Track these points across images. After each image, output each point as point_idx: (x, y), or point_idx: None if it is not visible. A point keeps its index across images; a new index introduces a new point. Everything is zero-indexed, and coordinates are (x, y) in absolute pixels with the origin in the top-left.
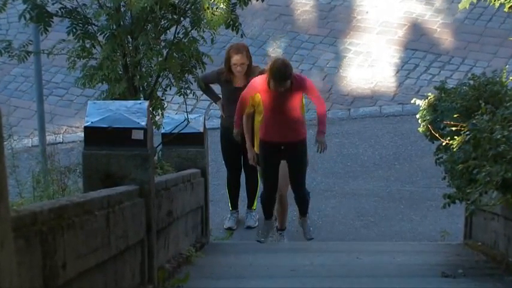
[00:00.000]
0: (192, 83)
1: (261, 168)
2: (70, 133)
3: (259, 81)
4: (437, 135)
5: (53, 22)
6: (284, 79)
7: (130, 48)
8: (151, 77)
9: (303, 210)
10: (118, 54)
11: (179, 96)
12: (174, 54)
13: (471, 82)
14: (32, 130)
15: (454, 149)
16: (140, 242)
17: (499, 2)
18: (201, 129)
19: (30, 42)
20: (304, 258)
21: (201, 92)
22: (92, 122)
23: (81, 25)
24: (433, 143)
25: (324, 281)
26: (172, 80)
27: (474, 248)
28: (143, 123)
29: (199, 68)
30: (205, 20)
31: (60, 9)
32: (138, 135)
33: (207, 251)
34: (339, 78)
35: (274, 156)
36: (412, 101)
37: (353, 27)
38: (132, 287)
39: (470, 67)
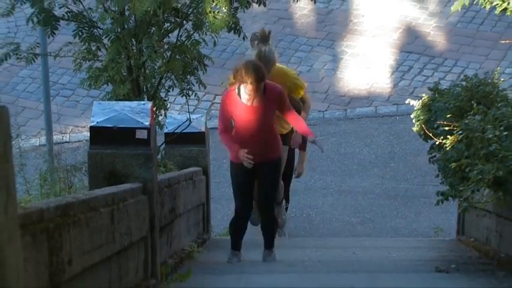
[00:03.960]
0: (193, 84)
1: (233, 189)
2: (76, 133)
3: (228, 98)
4: (431, 134)
5: (59, 25)
6: (258, 75)
7: (135, 50)
8: (154, 79)
9: (270, 239)
10: (122, 56)
11: (181, 96)
12: (177, 56)
13: (464, 83)
14: (39, 130)
15: (447, 148)
16: (144, 239)
17: (490, 4)
18: (203, 129)
19: (38, 44)
20: (302, 254)
21: (202, 93)
22: (97, 122)
23: (86, 28)
24: (427, 142)
25: (321, 276)
26: (175, 81)
27: (467, 244)
28: (147, 123)
29: (201, 70)
30: (207, 24)
31: (66, 13)
32: (141, 134)
33: (208, 247)
34: (336, 80)
35: (246, 176)
36: (407, 102)
37: (350, 30)
38: (135, 282)
39: (463, 69)
